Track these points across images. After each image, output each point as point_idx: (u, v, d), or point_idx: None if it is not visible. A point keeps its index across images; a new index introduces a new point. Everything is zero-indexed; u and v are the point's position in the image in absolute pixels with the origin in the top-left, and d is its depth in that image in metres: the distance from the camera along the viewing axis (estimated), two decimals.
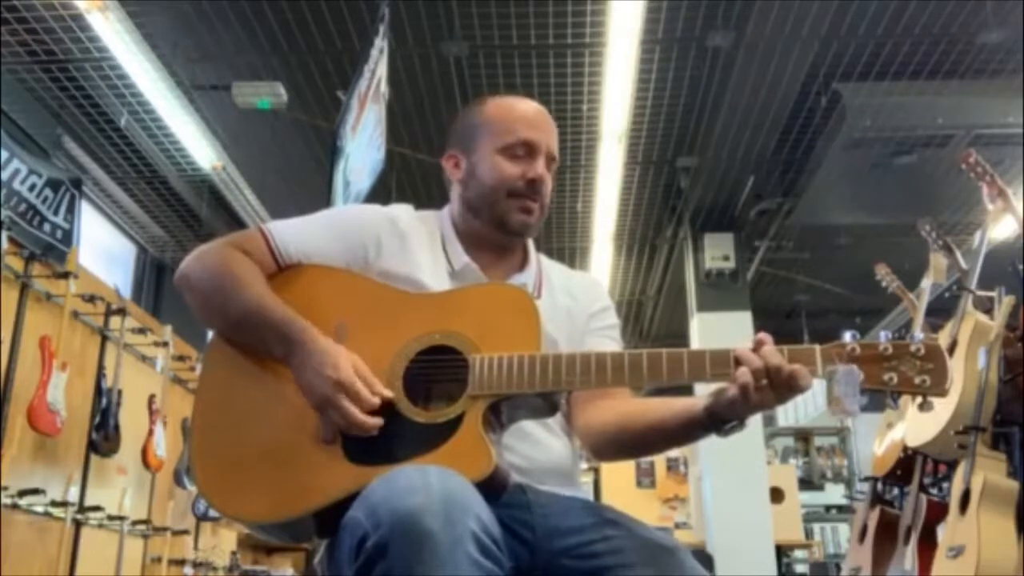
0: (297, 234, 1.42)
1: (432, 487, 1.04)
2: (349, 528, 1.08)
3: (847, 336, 1.22)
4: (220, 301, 1.34)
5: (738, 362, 1.21)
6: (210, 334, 1.40)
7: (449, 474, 1.08)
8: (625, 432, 1.40)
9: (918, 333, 1.20)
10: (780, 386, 1.19)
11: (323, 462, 1.23)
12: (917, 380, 1.19)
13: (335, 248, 1.41)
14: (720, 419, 1.26)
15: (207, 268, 1.36)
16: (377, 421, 1.22)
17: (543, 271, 1.55)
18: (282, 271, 1.40)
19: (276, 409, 1.29)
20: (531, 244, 1.56)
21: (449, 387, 1.26)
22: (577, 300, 1.53)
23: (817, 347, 1.22)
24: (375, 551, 1.02)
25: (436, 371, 1.27)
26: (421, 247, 1.45)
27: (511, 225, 1.46)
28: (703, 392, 1.29)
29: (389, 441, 1.23)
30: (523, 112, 1.50)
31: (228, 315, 1.34)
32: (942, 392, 1.19)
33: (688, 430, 1.32)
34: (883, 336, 1.21)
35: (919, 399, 1.22)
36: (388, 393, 1.25)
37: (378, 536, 1.02)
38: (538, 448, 1.38)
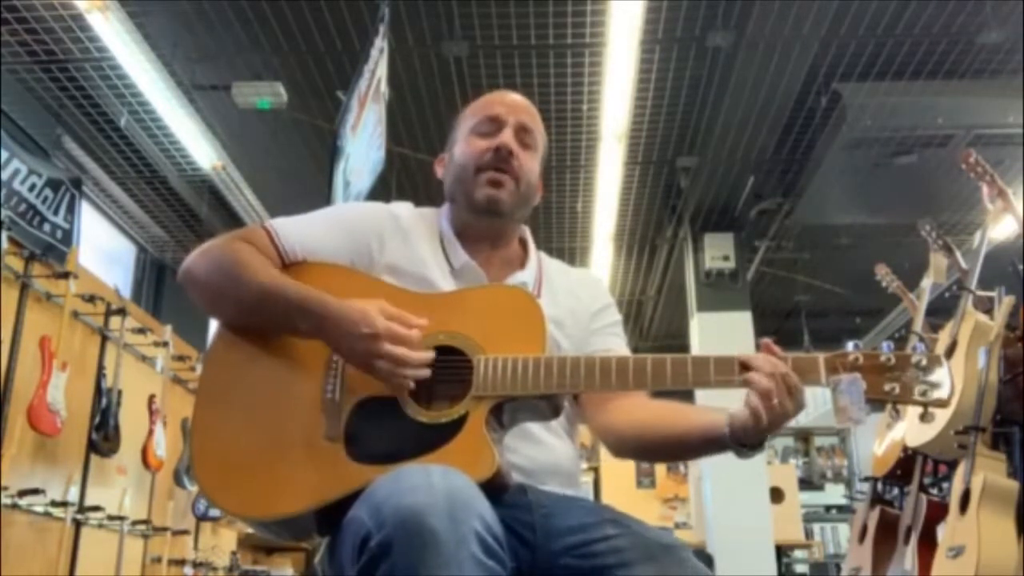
0: (301, 231, 1.42)
1: (436, 486, 1.04)
2: (352, 527, 1.08)
3: (850, 345, 1.23)
4: (233, 289, 1.33)
5: (745, 367, 1.21)
6: (211, 334, 1.40)
7: (452, 473, 1.08)
8: (645, 439, 1.41)
9: (920, 344, 1.21)
10: (790, 389, 1.20)
11: (325, 460, 1.23)
12: (919, 391, 1.19)
13: (339, 245, 1.41)
14: (740, 441, 1.26)
15: (215, 260, 1.35)
16: (427, 355, 1.24)
17: (544, 270, 1.54)
18: (286, 268, 1.39)
19: (279, 407, 1.29)
20: (531, 241, 1.56)
21: (453, 388, 1.26)
22: (579, 299, 1.53)
23: (820, 356, 1.22)
24: (378, 550, 1.01)
25: (440, 372, 1.27)
26: (423, 245, 1.45)
27: (478, 200, 1.45)
28: (705, 395, 1.29)
29: (392, 440, 1.23)
30: (493, 95, 1.53)
31: (243, 301, 1.33)
32: (944, 404, 1.20)
33: (710, 449, 1.34)
34: (885, 347, 1.21)
35: (920, 409, 1.22)
36: (423, 321, 1.26)
37: (381, 535, 1.01)
38: (540, 449, 1.38)
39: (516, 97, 1.53)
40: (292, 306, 1.28)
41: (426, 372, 1.24)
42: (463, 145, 1.49)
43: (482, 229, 1.48)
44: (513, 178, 1.45)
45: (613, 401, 1.43)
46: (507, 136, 1.46)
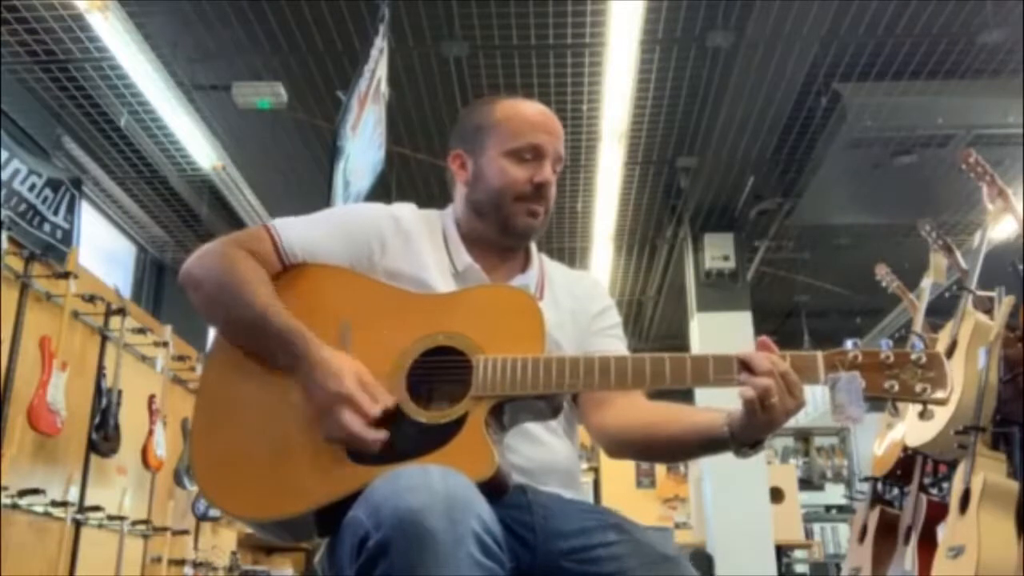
0: (302, 233, 1.42)
1: (434, 486, 1.04)
2: (350, 527, 1.08)
3: (849, 344, 1.23)
4: (224, 304, 1.34)
5: (744, 365, 1.21)
6: (212, 334, 1.40)
7: (451, 473, 1.08)
8: (641, 439, 1.41)
9: (918, 341, 1.21)
10: (790, 387, 1.20)
11: (325, 461, 1.23)
12: (918, 388, 1.19)
13: (340, 247, 1.41)
14: (739, 441, 1.26)
15: (212, 269, 1.36)
16: (379, 435, 1.21)
17: (545, 272, 1.55)
18: (286, 270, 1.39)
19: (278, 408, 1.29)
20: (533, 245, 1.56)
21: (452, 388, 1.26)
22: (580, 301, 1.53)
23: (819, 354, 1.22)
24: (377, 550, 1.02)
25: (439, 372, 1.27)
26: (424, 247, 1.45)
27: (515, 228, 1.46)
28: (705, 396, 1.29)
29: (391, 441, 1.22)
30: (531, 115, 1.50)
31: (232, 319, 1.34)
32: (943, 401, 1.20)
33: (708, 449, 1.34)
34: (884, 344, 1.21)
35: (920, 407, 1.22)
36: (391, 402, 1.24)
37: (380, 535, 1.02)
38: (540, 449, 1.38)
39: (553, 120, 1.51)
40: (273, 337, 1.29)
41: (374, 449, 1.22)
42: (499, 166, 1.46)
43: (499, 242, 1.49)
44: (546, 210, 1.49)
45: (609, 401, 1.43)
46: (548, 172, 1.47)
